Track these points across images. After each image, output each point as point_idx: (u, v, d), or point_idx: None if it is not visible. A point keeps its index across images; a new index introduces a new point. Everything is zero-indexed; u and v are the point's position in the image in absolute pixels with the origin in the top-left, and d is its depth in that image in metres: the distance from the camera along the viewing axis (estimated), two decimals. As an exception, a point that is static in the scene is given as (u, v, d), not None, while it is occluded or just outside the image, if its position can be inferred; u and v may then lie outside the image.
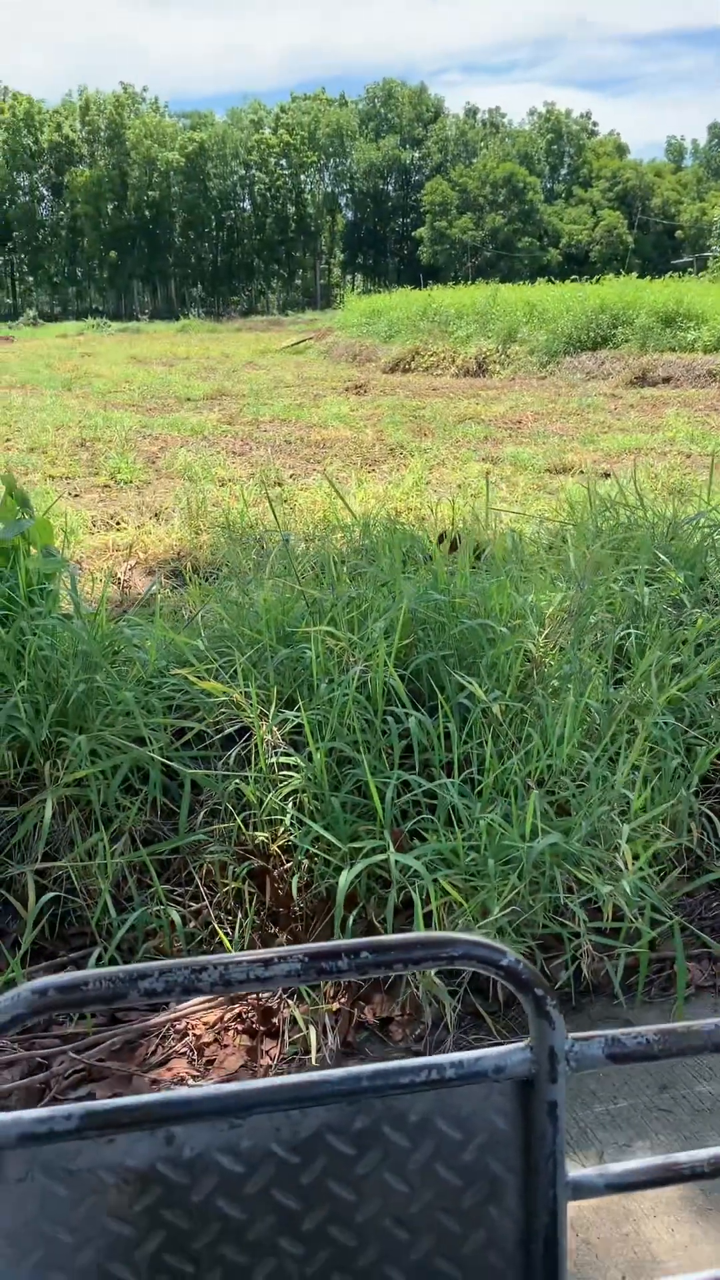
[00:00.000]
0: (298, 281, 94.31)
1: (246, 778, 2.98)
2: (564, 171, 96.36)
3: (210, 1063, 2.41)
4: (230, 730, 3.16)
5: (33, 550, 3.61)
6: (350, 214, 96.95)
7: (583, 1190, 0.94)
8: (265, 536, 6.13)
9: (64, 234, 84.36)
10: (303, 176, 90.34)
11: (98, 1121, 0.83)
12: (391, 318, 27.14)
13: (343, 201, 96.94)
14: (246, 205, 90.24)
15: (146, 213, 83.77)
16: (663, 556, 4.12)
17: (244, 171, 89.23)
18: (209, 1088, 0.85)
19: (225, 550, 6.09)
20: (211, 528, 7.38)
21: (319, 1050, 2.40)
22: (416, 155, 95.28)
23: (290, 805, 2.92)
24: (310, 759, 2.94)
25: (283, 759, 3.00)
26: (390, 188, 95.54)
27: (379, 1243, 0.91)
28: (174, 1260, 0.88)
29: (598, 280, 27.95)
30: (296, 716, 3.04)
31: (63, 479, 10.01)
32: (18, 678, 3.18)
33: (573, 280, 28.85)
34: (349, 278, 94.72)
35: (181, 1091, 0.86)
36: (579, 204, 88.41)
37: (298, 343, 31.77)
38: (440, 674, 3.17)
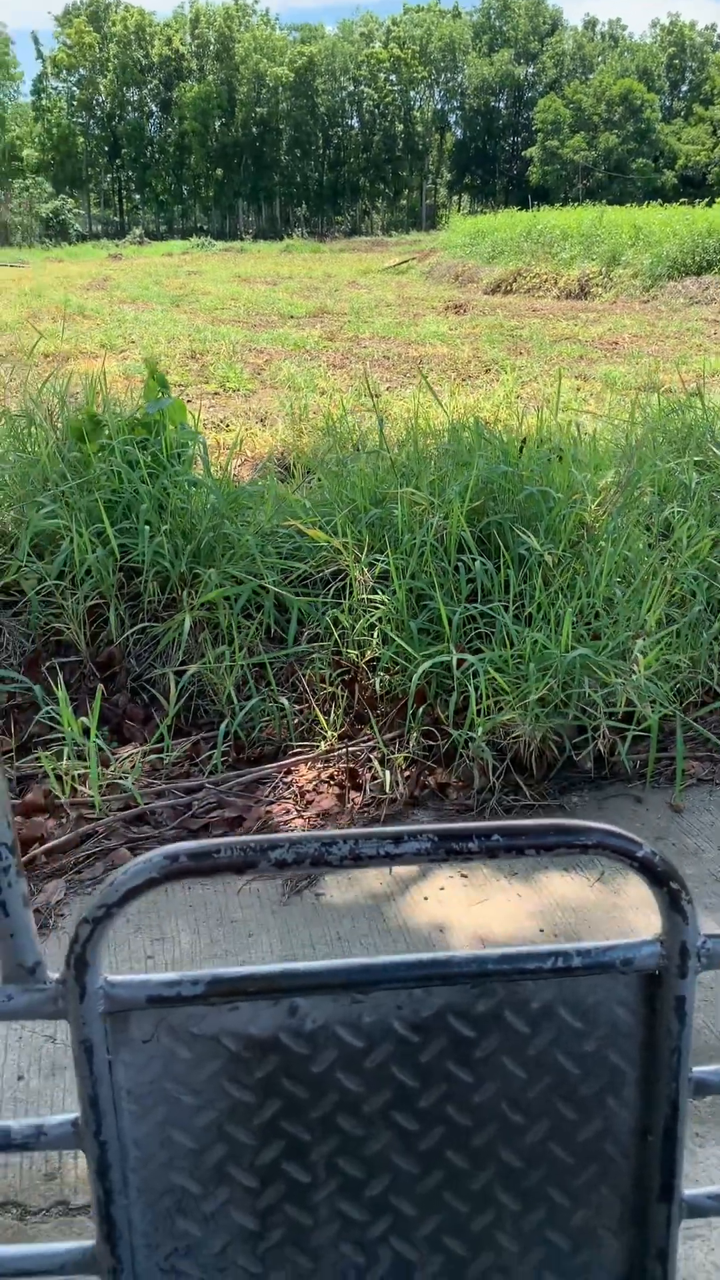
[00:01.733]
0: (403, 202, 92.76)
1: (341, 606, 3.69)
2: (684, 88, 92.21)
3: (309, 804, 3.16)
4: (329, 572, 3.86)
5: (170, 425, 4.33)
6: (459, 132, 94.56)
7: (706, 1088, 0.94)
8: (362, 438, 6.76)
9: (171, 151, 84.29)
10: (412, 93, 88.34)
11: (223, 989, 0.86)
12: (495, 239, 27.06)
13: (452, 119, 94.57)
14: (354, 123, 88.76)
15: (254, 129, 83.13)
16: (716, 450, 4.66)
17: (352, 88, 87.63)
18: (334, 961, 0.88)
19: (325, 447, 6.75)
20: (312, 430, 8.04)
21: (393, 798, 3.13)
22: (530, 71, 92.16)
23: (375, 631, 3.62)
24: (394, 594, 3.63)
25: (370, 596, 3.70)
26: (501, 105, 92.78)
27: (494, 1124, 0.92)
28: (291, 1128, 0.90)
29: (711, 203, 27.35)
30: (384, 561, 3.72)
31: (176, 386, 10.74)
32: (161, 524, 3.92)
33: (682, 204, 28.22)
34: (455, 198, 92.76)
35: (306, 964, 0.88)
36: (699, 123, 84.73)
37: (400, 263, 31.83)
38: (505, 532, 3.81)
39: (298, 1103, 0.89)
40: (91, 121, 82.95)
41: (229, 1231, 0.93)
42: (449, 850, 0.81)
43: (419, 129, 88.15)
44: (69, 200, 69.49)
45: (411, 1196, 0.93)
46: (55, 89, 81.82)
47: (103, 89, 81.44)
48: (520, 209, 35.76)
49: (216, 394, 10.34)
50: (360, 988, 0.87)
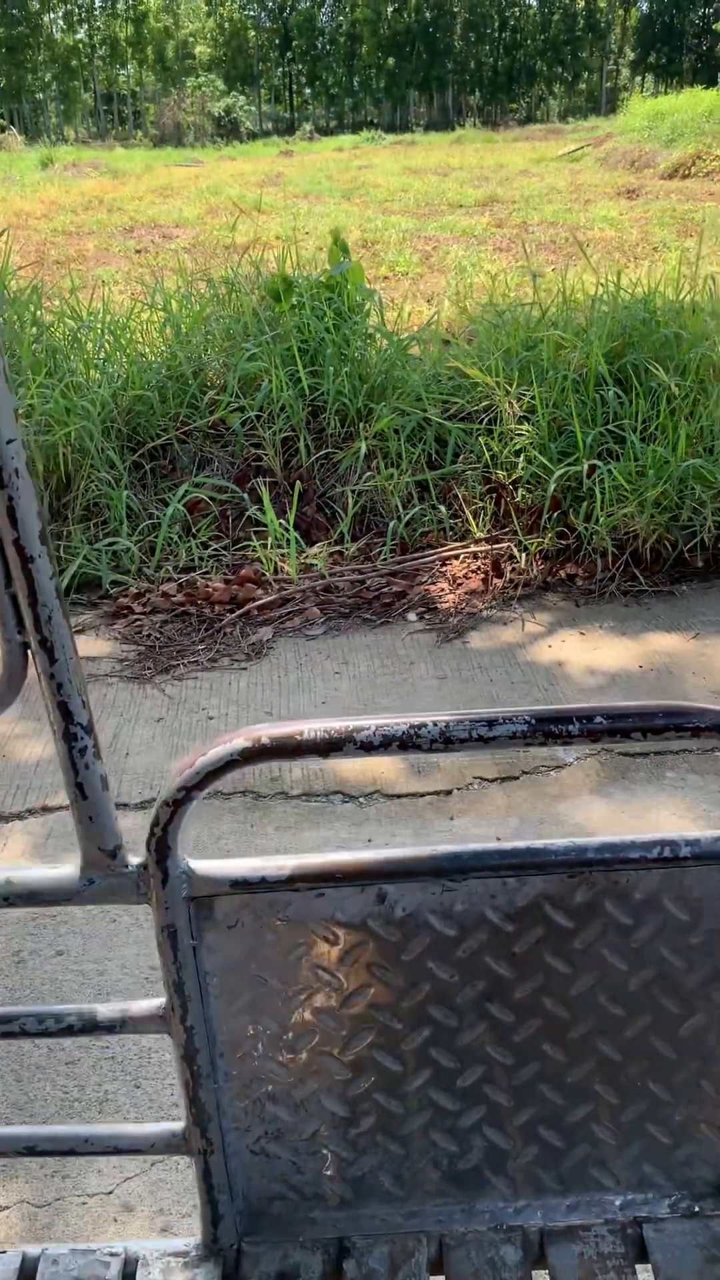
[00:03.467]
0: (581, 86, 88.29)
1: (492, 434, 4.36)
2: None
3: (459, 585, 3.90)
4: (481, 406, 4.52)
5: (350, 285, 5.02)
6: (644, 6, 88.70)
7: None
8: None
9: (342, 42, 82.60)
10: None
11: (309, 874, 0.86)
12: (675, 121, 26.04)
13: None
14: (532, 1, 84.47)
15: (426, 15, 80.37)
16: None
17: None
18: (423, 848, 0.87)
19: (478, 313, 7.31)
20: (474, 307, 8.57)
21: (528, 581, 3.84)
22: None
23: (521, 455, 4.28)
24: (537, 424, 4.27)
25: (517, 426, 4.35)
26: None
27: (593, 1017, 0.91)
28: (382, 1018, 0.90)
29: None
30: (530, 395, 4.35)
31: (348, 272, 11.37)
32: (342, 368, 4.66)
33: None
34: (638, 79, 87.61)
35: (395, 850, 0.87)
36: None
37: (574, 150, 30.95)
38: (639, 370, 4.37)
39: (388, 991, 0.89)
40: (263, 14, 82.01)
41: (320, 1118, 0.93)
42: (547, 734, 0.79)
43: (601, 4, 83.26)
44: (240, 97, 69.46)
45: (506, 1088, 0.93)
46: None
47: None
48: (706, 88, 33.92)
49: (386, 278, 10.91)
50: (450, 875, 0.86)
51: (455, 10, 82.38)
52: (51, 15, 66.64)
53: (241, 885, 0.86)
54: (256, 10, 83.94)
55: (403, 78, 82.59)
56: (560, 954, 0.89)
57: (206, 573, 4.04)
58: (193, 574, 4.02)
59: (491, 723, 0.78)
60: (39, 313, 4.77)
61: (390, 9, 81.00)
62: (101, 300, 5.22)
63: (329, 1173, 0.96)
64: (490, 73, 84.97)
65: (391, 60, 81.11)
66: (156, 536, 4.17)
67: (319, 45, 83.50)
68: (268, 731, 0.80)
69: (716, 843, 0.86)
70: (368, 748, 0.79)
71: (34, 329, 4.70)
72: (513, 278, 9.87)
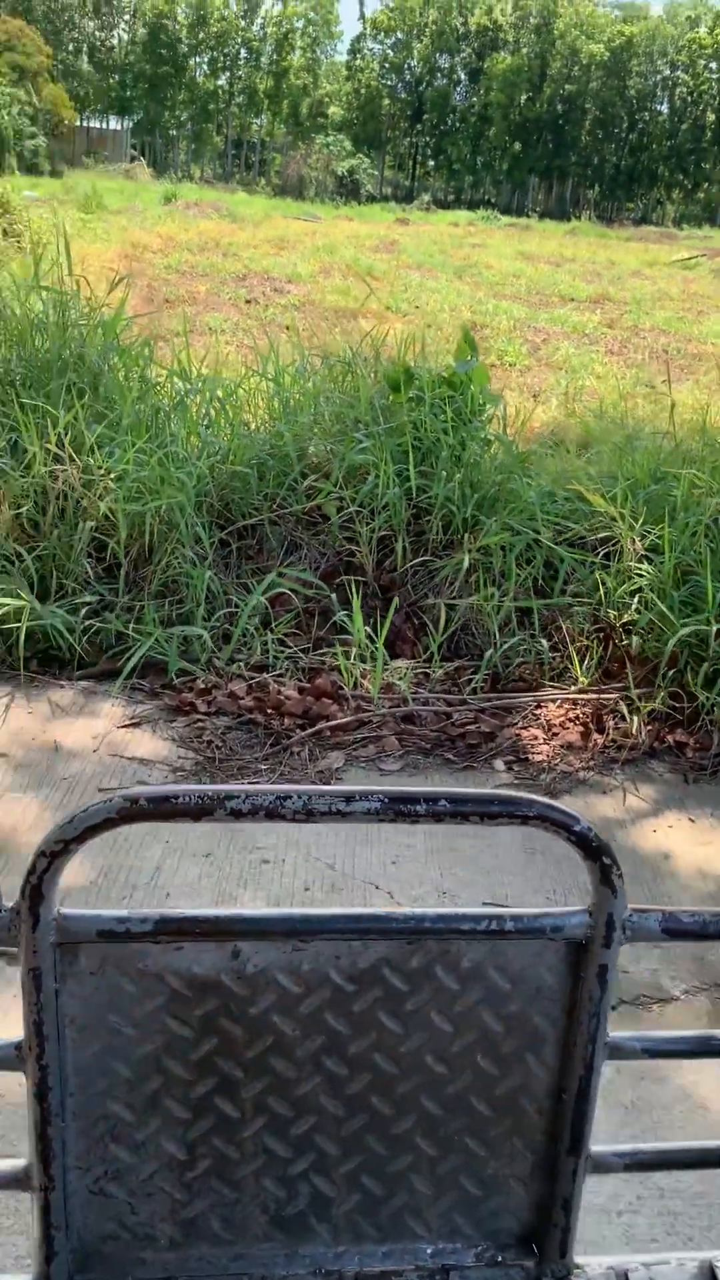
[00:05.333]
0: (700, 195, 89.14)
1: (608, 569, 4.00)
2: None
3: (555, 735, 3.52)
4: (599, 537, 4.18)
5: (474, 386, 4.73)
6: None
7: (620, 1052, 1.00)
8: (639, 424, 6.96)
9: (472, 121, 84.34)
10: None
11: (171, 928, 0.90)
12: None
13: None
14: (663, 108, 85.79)
15: (559, 107, 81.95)
16: None
17: (668, 72, 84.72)
18: (279, 910, 0.95)
19: (599, 429, 7.00)
20: (585, 412, 8.28)
21: (634, 744, 3.45)
22: None
23: (637, 597, 3.92)
24: (661, 566, 3.91)
25: (637, 564, 3.99)
26: None
27: (419, 1074, 0.97)
28: (226, 1066, 0.94)
29: None
30: (656, 534, 4.00)
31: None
32: (455, 472, 4.35)
33: None
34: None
35: (251, 910, 0.94)
36: None
37: (688, 258, 30.95)
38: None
39: (234, 1041, 0.93)
40: (399, 85, 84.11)
41: (158, 1159, 0.97)
42: (397, 812, 0.86)
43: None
44: (365, 160, 70.98)
45: (335, 1137, 0.98)
46: (371, 50, 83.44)
47: (416, 54, 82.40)
48: None
49: (493, 366, 10.69)
50: (302, 936, 0.92)
51: (587, 107, 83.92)
52: (197, 59, 68.86)
53: (107, 935, 0.89)
54: (394, 81, 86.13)
55: (526, 163, 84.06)
56: (394, 1014, 0.94)
57: (280, 675, 3.70)
58: (265, 674, 3.69)
59: (349, 799, 0.85)
60: (148, 370, 4.53)
61: (524, 96, 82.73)
62: (213, 361, 4.99)
63: (162, 1214, 0.98)
64: (612, 170, 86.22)
65: (518, 145, 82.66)
66: (233, 625, 3.86)
67: (449, 121, 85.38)
68: (144, 794, 0.85)
69: (537, 919, 0.93)
70: (237, 815, 0.83)
71: (140, 384, 4.46)
72: (625, 384, 9.59)
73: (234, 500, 4.29)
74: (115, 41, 66.34)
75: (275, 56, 74.25)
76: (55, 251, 4.67)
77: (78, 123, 55.03)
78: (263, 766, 3.23)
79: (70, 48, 61.97)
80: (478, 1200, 1.02)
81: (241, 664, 3.75)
